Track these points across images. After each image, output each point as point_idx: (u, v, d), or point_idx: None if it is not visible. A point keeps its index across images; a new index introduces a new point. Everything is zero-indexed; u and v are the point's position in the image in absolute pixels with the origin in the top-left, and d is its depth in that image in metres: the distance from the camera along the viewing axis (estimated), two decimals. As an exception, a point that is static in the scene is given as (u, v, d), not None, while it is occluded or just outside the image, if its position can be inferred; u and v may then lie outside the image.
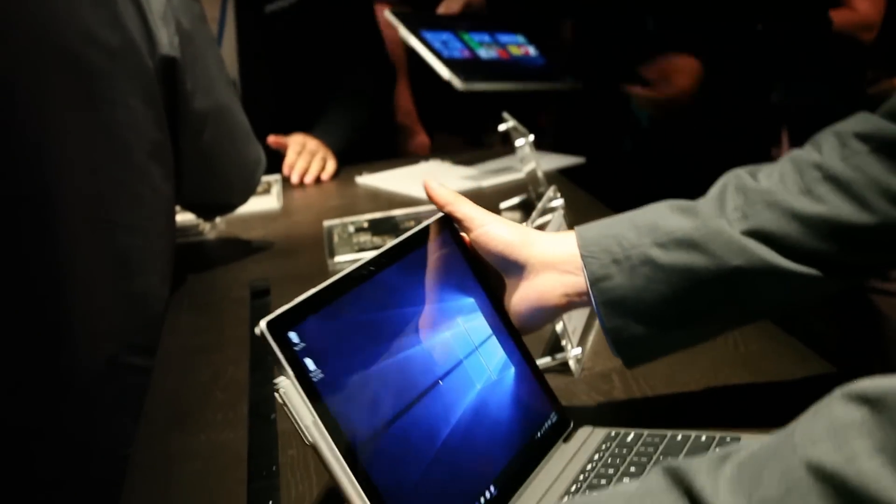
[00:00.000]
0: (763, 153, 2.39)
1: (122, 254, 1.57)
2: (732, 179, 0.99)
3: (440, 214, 1.01)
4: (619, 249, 0.96)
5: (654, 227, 0.97)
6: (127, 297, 1.56)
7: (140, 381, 1.53)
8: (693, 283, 0.95)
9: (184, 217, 2.11)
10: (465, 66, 2.25)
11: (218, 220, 2.07)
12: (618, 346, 0.99)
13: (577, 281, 0.98)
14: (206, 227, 2.06)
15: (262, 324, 0.77)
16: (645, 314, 0.97)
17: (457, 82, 2.18)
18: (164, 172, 1.61)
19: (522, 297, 1.00)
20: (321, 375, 0.79)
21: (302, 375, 0.78)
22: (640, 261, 0.95)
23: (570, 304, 1.00)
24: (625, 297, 0.96)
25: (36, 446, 1.57)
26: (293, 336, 0.79)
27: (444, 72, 2.20)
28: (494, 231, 1.00)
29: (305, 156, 2.45)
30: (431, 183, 1.01)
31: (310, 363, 0.79)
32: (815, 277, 0.94)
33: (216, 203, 1.87)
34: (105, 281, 1.54)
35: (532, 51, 2.48)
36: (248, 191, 1.86)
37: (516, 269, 1.00)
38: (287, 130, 2.49)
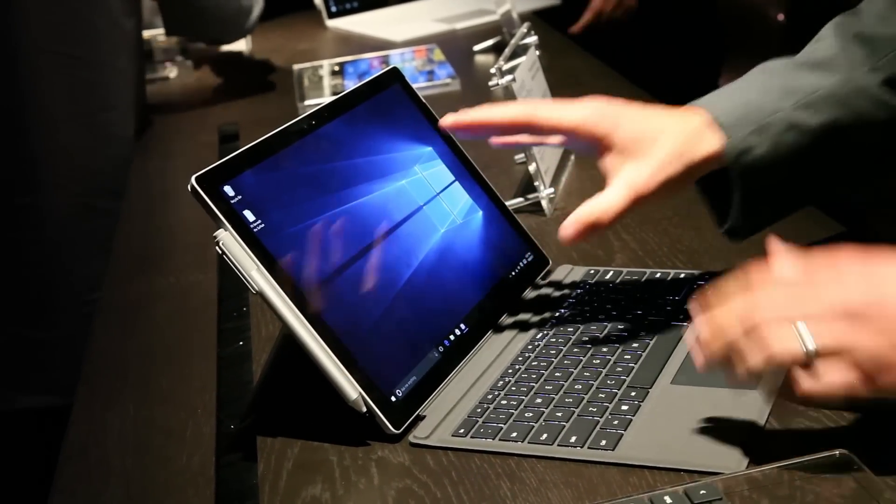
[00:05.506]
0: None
1: (83, 89, 1.54)
2: (842, 28, 0.91)
3: (391, 66, 0.99)
4: (760, 116, 0.87)
5: (789, 88, 0.88)
6: (91, 135, 1.54)
7: (109, 223, 1.53)
8: (839, 143, 0.88)
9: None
10: None
11: (184, 59, 2.03)
12: (746, 218, 0.90)
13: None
14: (171, 70, 2.01)
15: (192, 179, 0.77)
16: (782, 182, 0.89)
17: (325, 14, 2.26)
18: (126, 7, 1.57)
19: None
20: (262, 226, 0.80)
21: (241, 227, 0.78)
22: (784, 126, 0.87)
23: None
24: (765, 167, 0.87)
25: (3, 296, 1.57)
26: (228, 189, 0.79)
27: None
28: None
29: None
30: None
31: (249, 214, 0.79)
32: None
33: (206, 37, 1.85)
34: (67, 117, 1.52)
35: None
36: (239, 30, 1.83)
37: None
38: None
